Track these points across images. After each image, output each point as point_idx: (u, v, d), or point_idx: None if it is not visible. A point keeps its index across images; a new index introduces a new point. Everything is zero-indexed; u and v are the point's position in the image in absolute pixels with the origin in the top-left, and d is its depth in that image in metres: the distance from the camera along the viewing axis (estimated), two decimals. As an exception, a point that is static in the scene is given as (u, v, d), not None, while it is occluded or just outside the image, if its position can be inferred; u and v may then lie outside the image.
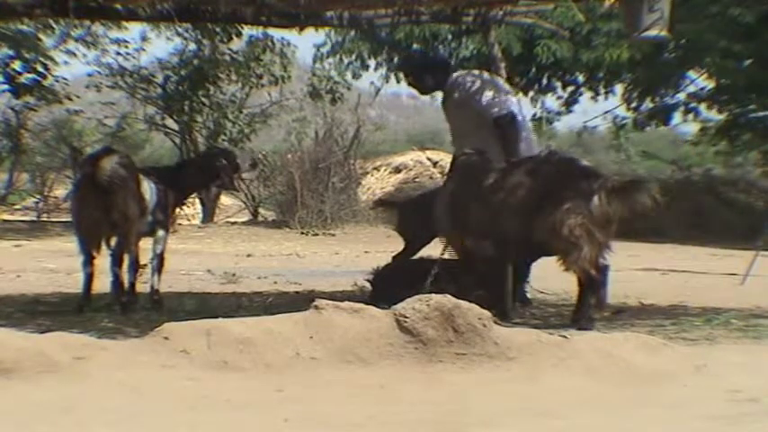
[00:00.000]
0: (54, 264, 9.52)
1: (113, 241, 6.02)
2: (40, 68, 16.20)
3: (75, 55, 17.56)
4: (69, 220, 10.06)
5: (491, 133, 6.43)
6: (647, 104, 18.40)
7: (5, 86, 16.37)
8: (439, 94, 6.82)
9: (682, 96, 18.15)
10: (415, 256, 6.75)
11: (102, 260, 6.08)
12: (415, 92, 6.96)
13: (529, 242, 5.85)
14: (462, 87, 6.58)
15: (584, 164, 5.88)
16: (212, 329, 3.94)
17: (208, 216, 18.03)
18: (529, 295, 6.67)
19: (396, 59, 17.06)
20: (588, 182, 5.52)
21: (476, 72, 6.88)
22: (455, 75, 6.71)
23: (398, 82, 19.03)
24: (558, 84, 19.07)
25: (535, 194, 5.63)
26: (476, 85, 6.57)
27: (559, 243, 5.51)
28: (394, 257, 6.80)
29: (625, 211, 5.46)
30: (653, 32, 5.91)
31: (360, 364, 3.91)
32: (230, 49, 17.48)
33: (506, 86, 6.82)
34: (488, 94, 6.51)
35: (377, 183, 19.50)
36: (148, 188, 6.08)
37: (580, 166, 5.79)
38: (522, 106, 6.90)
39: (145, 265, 6.29)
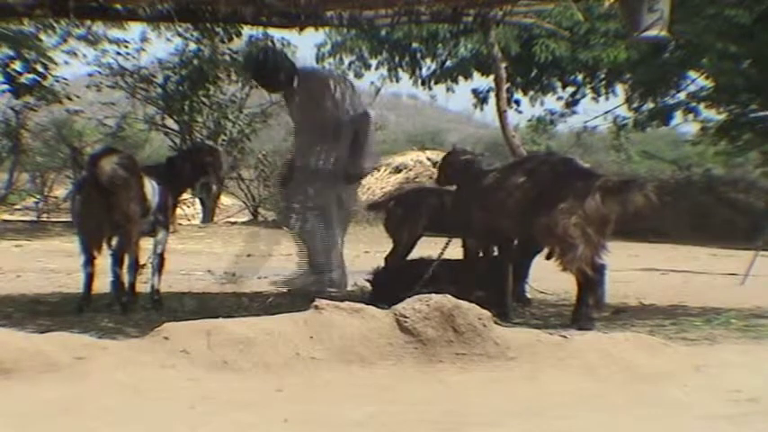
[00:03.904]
0: (54, 264, 9.51)
1: (114, 241, 6.02)
2: (40, 68, 16.18)
3: (75, 55, 17.53)
4: (69, 220, 10.07)
5: (337, 132, 6.51)
6: (648, 105, 18.40)
7: (5, 86, 16.35)
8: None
9: (682, 96, 18.16)
10: (414, 257, 6.76)
11: (103, 260, 6.07)
12: (264, 91, 6.99)
13: (526, 242, 5.88)
14: (314, 85, 6.64)
15: (579, 164, 5.89)
16: (212, 329, 3.94)
17: (208, 216, 18.02)
18: (529, 295, 6.68)
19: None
20: (583, 182, 5.52)
21: (325, 70, 7.06)
22: (307, 71, 6.82)
23: (398, 81, 19.07)
24: (558, 84, 19.08)
25: (531, 195, 5.64)
26: (329, 83, 6.66)
27: (555, 243, 5.52)
28: (386, 258, 6.81)
29: (621, 211, 5.47)
30: (653, 33, 5.91)
31: (360, 364, 3.91)
32: (230, 49, 17.46)
33: (357, 86, 6.98)
34: (343, 94, 6.58)
35: (377, 183, 19.49)
36: (151, 188, 6.06)
37: (576, 166, 5.80)
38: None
39: (144, 264, 6.29)
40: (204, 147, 6.84)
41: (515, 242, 6.11)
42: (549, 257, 5.76)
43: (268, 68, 6.92)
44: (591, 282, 5.53)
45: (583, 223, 5.42)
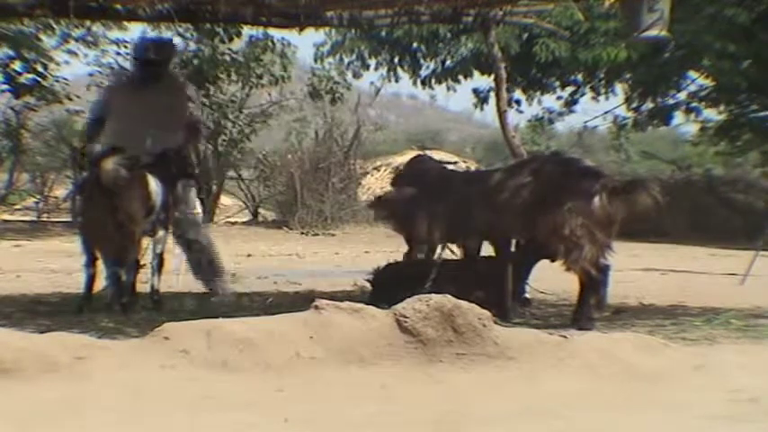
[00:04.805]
0: (54, 264, 9.52)
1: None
2: (39, 68, 16.19)
3: (75, 55, 17.53)
4: (69, 220, 10.08)
5: (184, 132, 6.70)
6: (648, 105, 18.38)
7: (5, 86, 16.36)
8: None
9: (682, 96, 18.16)
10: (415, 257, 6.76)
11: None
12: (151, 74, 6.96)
13: (532, 242, 5.87)
14: (187, 86, 7.00)
15: (586, 164, 5.88)
16: (212, 329, 3.94)
17: (208, 216, 18.01)
18: (528, 295, 6.67)
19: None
20: (590, 182, 5.52)
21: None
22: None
23: (398, 81, 19.06)
24: (558, 83, 19.06)
25: (537, 195, 5.64)
26: (191, 88, 7.03)
27: (561, 243, 5.52)
28: (404, 255, 6.83)
29: (627, 212, 5.47)
30: (653, 32, 5.91)
31: (360, 364, 3.91)
32: (230, 49, 17.45)
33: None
34: (197, 101, 6.95)
35: (377, 183, 19.49)
36: (156, 188, 6.04)
37: (582, 166, 5.79)
38: None
39: (144, 264, 6.28)
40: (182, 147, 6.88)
41: (516, 243, 6.11)
42: (553, 258, 5.75)
43: (166, 54, 6.96)
44: (594, 282, 5.54)
45: (589, 223, 5.42)
